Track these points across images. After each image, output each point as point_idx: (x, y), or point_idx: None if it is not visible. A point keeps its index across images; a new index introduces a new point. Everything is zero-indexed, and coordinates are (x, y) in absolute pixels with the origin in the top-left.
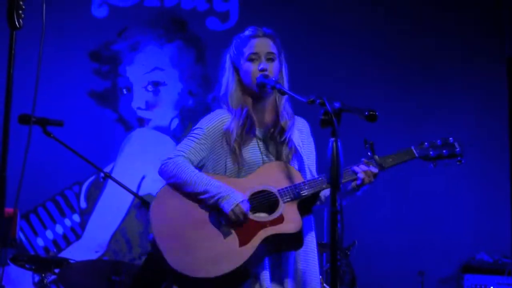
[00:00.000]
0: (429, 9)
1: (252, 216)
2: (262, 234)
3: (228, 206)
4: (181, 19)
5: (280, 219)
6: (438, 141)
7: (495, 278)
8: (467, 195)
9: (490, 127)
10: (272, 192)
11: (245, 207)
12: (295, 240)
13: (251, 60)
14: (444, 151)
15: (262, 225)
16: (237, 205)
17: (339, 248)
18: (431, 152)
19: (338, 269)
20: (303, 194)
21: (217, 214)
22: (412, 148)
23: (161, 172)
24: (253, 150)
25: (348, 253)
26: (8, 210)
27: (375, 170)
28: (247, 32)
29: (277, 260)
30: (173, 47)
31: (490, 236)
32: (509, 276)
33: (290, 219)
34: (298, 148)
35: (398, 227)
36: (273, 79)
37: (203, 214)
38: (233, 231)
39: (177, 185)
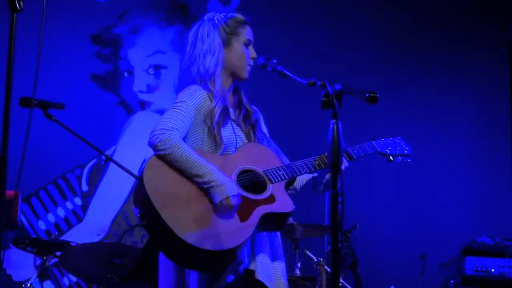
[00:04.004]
0: None
1: (245, 193)
2: (259, 211)
3: (218, 197)
4: (183, 2)
5: (271, 199)
6: (390, 139)
7: (496, 261)
8: (468, 179)
9: (492, 113)
10: (258, 173)
11: (235, 201)
12: (283, 221)
13: (246, 45)
14: (398, 149)
15: (257, 203)
16: (227, 197)
17: (340, 230)
18: (387, 150)
19: (339, 252)
20: (288, 176)
21: None
22: (373, 143)
23: (153, 142)
24: (228, 131)
25: (349, 235)
26: (9, 192)
27: (347, 163)
28: (241, 17)
29: (255, 241)
30: (175, 30)
31: (492, 219)
32: (510, 258)
33: (281, 199)
34: (264, 131)
35: (400, 211)
36: (274, 61)
37: (200, 188)
38: None
39: (168, 159)
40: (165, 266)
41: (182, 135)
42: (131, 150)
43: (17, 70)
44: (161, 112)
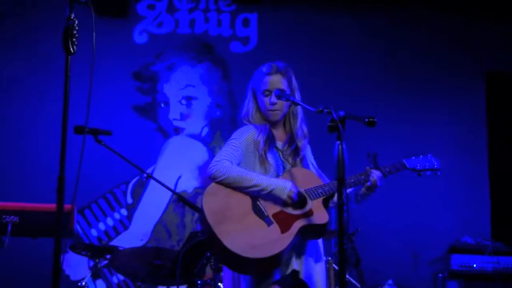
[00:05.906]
0: (414, 29)
1: (286, 210)
2: (298, 224)
3: (283, 194)
4: (209, 43)
5: (310, 213)
6: (421, 156)
7: (478, 258)
8: (454, 189)
9: (473, 133)
10: (300, 192)
11: (295, 190)
12: (322, 230)
13: (264, 94)
14: (426, 165)
15: (297, 217)
16: (289, 191)
17: (345, 234)
18: (417, 165)
19: (344, 252)
20: (326, 193)
21: (259, 206)
22: (404, 161)
23: (211, 173)
24: (274, 156)
25: (353, 238)
26: (66, 206)
27: (380, 175)
28: (264, 69)
29: (301, 247)
30: (203, 67)
31: (473, 222)
32: (489, 255)
33: (319, 212)
34: (310, 164)
35: (395, 217)
36: (287, 93)
37: (247, 207)
38: (274, 222)
39: (227, 182)
40: (226, 270)
41: (234, 163)
42: (168, 168)
43: (72, 103)
44: (192, 136)
